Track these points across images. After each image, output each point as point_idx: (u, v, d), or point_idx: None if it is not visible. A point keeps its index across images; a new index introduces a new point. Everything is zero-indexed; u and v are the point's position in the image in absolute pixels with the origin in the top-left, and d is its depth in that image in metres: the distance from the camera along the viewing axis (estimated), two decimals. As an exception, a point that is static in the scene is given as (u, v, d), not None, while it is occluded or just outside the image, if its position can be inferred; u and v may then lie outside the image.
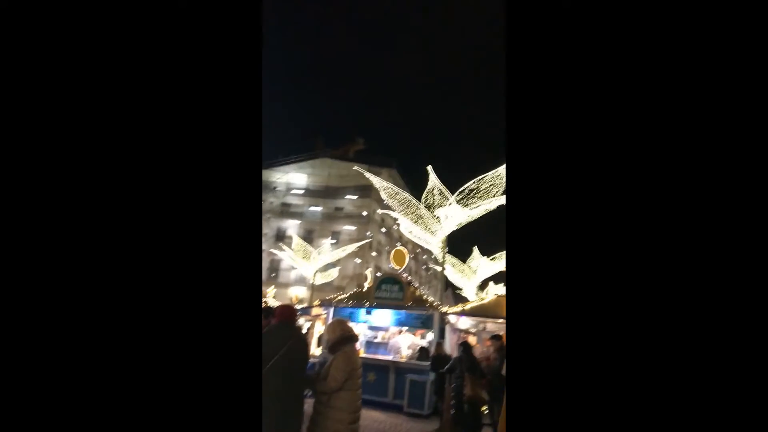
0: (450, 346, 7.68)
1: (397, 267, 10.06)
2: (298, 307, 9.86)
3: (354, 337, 3.13)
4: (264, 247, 27.16)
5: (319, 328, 9.55)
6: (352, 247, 20.09)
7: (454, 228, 11.90)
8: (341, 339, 2.98)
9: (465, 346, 5.69)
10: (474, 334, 8.79)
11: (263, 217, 28.18)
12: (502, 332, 6.42)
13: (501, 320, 7.73)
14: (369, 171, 15.55)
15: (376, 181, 13.20)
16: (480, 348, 7.35)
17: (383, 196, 12.90)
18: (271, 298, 17.75)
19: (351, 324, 3.25)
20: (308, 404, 2.96)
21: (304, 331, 8.61)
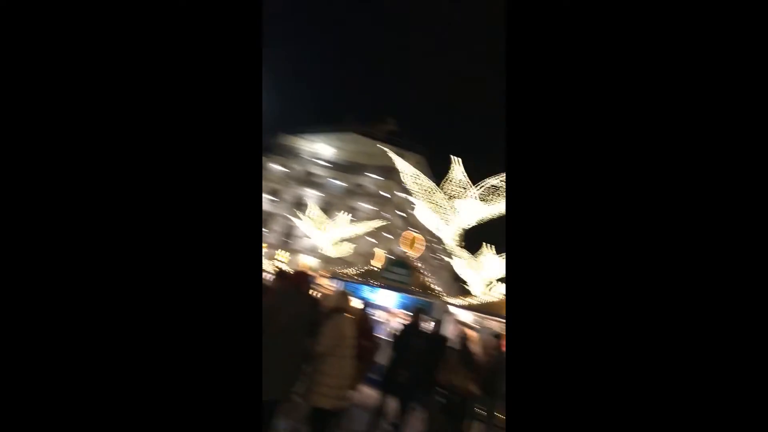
0: (451, 336, 7.79)
1: (408, 252, 10.14)
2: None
3: (347, 310, 3.24)
4: (280, 211, 27.57)
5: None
6: (367, 226, 20.20)
7: (474, 223, 11.85)
8: (335, 308, 3.11)
9: (463, 338, 5.77)
10: (474, 329, 8.87)
11: (286, 182, 28.54)
12: (503, 332, 6.46)
13: (503, 320, 7.78)
14: (395, 153, 15.48)
15: (400, 164, 13.17)
16: (478, 343, 7.43)
17: (405, 179, 12.87)
18: (283, 262, 18.14)
19: (352, 298, 3.36)
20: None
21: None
